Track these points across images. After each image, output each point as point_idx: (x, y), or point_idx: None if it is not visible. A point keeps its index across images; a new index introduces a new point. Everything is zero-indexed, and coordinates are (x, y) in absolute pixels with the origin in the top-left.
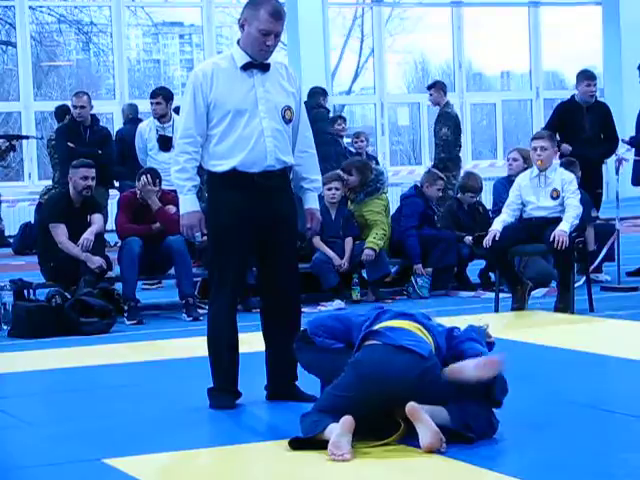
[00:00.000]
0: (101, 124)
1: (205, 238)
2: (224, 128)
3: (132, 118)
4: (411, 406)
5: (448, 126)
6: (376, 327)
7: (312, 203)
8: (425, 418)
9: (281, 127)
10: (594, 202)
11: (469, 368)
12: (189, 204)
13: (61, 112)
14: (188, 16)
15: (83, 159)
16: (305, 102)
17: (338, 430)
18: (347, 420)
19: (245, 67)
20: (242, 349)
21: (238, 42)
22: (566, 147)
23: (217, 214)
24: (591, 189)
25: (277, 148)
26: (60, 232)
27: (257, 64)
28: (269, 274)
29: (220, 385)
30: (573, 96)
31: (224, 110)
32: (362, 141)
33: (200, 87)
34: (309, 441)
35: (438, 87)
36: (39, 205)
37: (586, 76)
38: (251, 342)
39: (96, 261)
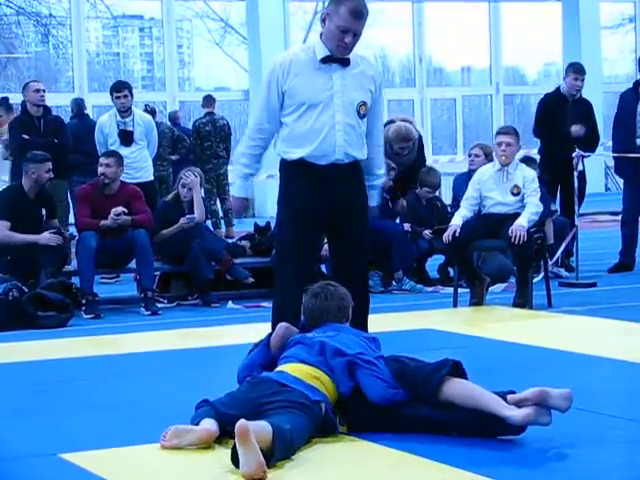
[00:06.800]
0: (54, 113)
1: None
2: (295, 118)
3: (77, 113)
4: (241, 424)
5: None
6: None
7: (371, 201)
8: (253, 443)
9: (354, 122)
10: (580, 193)
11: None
12: (237, 189)
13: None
14: (148, 9)
15: (38, 152)
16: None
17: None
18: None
19: (324, 60)
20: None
21: (321, 35)
22: (577, 129)
23: (285, 199)
24: (576, 184)
25: (347, 142)
26: (1, 227)
27: (336, 58)
28: (339, 262)
29: None
30: (558, 88)
31: (298, 101)
32: None
33: (276, 77)
34: None
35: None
36: None
37: (575, 69)
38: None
39: (42, 238)
